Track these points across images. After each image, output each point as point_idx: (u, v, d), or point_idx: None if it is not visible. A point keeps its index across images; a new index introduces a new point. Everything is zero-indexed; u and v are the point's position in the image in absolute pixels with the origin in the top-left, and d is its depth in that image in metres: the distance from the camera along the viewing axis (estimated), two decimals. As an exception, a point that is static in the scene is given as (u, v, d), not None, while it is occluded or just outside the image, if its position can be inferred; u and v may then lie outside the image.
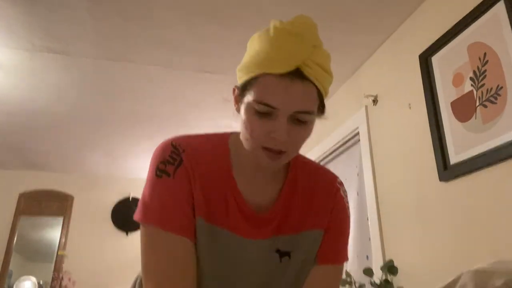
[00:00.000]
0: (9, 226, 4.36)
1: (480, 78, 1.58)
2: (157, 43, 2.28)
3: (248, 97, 0.76)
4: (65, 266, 4.29)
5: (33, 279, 4.32)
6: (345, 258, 0.95)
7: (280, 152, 0.78)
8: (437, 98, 1.80)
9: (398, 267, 1.92)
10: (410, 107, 2.01)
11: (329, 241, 0.92)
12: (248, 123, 0.76)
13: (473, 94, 1.61)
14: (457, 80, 1.70)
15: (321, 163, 3.03)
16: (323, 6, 2.00)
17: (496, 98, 1.50)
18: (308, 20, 0.78)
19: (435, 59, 1.84)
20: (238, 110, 0.82)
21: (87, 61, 2.47)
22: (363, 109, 2.43)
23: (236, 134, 0.90)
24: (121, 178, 4.71)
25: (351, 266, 2.43)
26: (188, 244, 0.80)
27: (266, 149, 0.77)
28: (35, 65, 2.51)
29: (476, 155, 1.55)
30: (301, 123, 0.76)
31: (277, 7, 2.00)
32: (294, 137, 0.77)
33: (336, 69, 2.55)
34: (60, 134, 3.57)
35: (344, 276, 2.22)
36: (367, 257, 2.30)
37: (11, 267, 4.29)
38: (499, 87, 1.49)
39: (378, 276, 2.01)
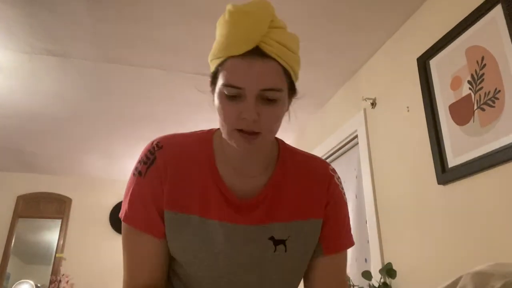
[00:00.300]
0: (7, 228, 4.35)
1: (478, 81, 1.59)
2: (156, 45, 2.29)
3: (218, 84, 0.78)
4: (63, 268, 4.27)
5: (31, 282, 4.31)
6: (351, 243, 0.95)
7: (253, 133, 0.78)
8: (435, 102, 1.81)
9: (396, 270, 1.92)
10: (408, 110, 2.02)
11: (332, 230, 0.91)
12: (221, 109, 0.78)
13: (471, 97, 1.61)
14: (455, 84, 1.71)
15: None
16: (322, 9, 2.01)
17: (494, 102, 1.50)
18: (263, 1, 0.79)
19: (433, 63, 1.85)
20: (213, 100, 0.84)
21: (86, 63, 2.47)
22: (362, 112, 2.44)
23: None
24: (119, 180, 4.70)
25: (350, 269, 2.43)
26: (153, 241, 0.83)
27: (239, 131, 0.77)
28: (34, 67, 2.51)
29: (474, 158, 1.56)
30: (271, 101, 0.77)
31: (276, 8, 2.01)
32: (266, 117, 0.77)
33: (335, 72, 2.58)
34: (59, 136, 3.56)
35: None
36: (365, 260, 2.30)
37: (9, 269, 4.27)
38: (497, 90, 1.49)
39: (376, 279, 2.01)
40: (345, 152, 2.72)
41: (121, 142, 3.67)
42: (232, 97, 0.76)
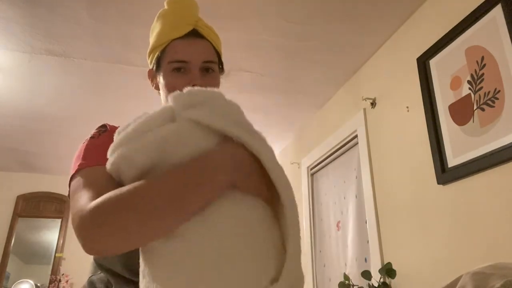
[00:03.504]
0: (7, 228, 4.35)
1: (478, 81, 1.59)
2: (156, 45, 2.29)
3: (164, 65, 0.92)
4: (63, 268, 4.27)
5: (31, 281, 4.31)
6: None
7: None
8: (435, 101, 1.81)
9: (396, 270, 1.93)
10: (408, 110, 2.02)
11: None
12: (169, 83, 0.91)
13: (471, 97, 1.61)
14: (455, 84, 1.71)
15: (320, 165, 3.03)
16: (321, 9, 2.01)
17: (493, 102, 1.51)
18: None
19: (433, 63, 1.85)
20: (157, 87, 0.98)
21: (86, 63, 2.47)
22: (362, 112, 2.44)
23: None
24: (119, 180, 4.70)
25: (350, 269, 2.43)
26: (104, 170, 0.74)
27: None
28: (34, 67, 2.51)
29: (473, 158, 1.56)
30: (209, 72, 0.93)
31: (276, 8, 2.01)
32: (209, 84, 0.87)
33: (334, 71, 2.58)
34: (59, 136, 3.56)
35: (342, 278, 2.23)
36: (365, 259, 2.30)
37: (9, 269, 4.27)
38: (497, 90, 1.50)
39: (376, 279, 2.01)
40: (345, 152, 2.72)
41: (121, 142, 3.66)
42: (178, 71, 0.90)
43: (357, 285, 2.14)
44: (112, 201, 0.62)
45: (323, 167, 3.01)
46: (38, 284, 4.31)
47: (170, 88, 0.89)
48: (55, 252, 4.37)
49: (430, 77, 1.86)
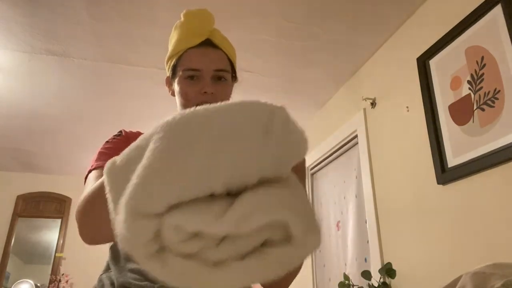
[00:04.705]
0: (7, 228, 4.35)
1: (478, 81, 1.59)
2: (157, 44, 2.29)
3: (179, 73, 0.96)
4: (63, 268, 4.27)
5: (31, 281, 4.31)
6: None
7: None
8: (435, 101, 1.81)
9: (396, 270, 1.93)
10: (408, 110, 2.02)
11: None
12: (183, 90, 0.95)
13: (471, 97, 1.61)
14: (455, 84, 1.71)
15: (320, 165, 3.03)
16: (321, 9, 2.01)
17: (493, 102, 1.51)
18: (206, 10, 1.02)
19: (433, 63, 1.85)
20: (173, 93, 1.01)
21: (86, 63, 2.47)
22: (362, 112, 2.44)
23: None
24: (119, 180, 4.70)
25: (350, 269, 2.43)
26: None
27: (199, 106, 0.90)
28: (34, 67, 2.51)
29: (473, 158, 1.56)
30: (221, 80, 0.96)
31: (276, 8, 2.01)
32: (219, 92, 0.94)
33: (334, 71, 2.58)
34: (59, 136, 3.56)
35: (342, 278, 2.23)
36: (365, 259, 2.30)
37: (9, 269, 4.27)
38: (497, 90, 1.50)
39: (376, 279, 2.01)
40: (345, 152, 2.72)
41: (121, 142, 3.66)
42: (191, 78, 0.94)
43: (357, 285, 2.14)
44: (89, 193, 0.71)
45: (323, 167, 3.01)
46: (38, 284, 4.31)
47: (183, 95, 0.95)
48: (55, 252, 4.37)
49: (430, 77, 1.86)
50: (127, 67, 2.51)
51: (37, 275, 4.37)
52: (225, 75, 0.97)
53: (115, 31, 2.16)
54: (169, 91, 1.05)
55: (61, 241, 4.42)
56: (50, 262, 4.35)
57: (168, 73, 1.02)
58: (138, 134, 1.01)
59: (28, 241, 4.61)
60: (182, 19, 1.01)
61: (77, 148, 3.85)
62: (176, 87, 0.98)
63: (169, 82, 1.03)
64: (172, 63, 0.99)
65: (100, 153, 0.95)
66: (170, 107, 3.20)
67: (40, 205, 4.53)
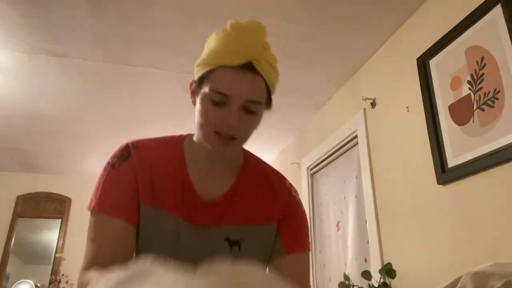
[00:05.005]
0: (7, 228, 4.35)
1: (478, 81, 1.59)
2: (156, 45, 2.29)
3: (205, 89, 0.83)
4: (63, 268, 4.27)
5: (31, 281, 4.31)
6: (309, 247, 1.00)
7: (231, 138, 0.85)
8: (435, 101, 1.81)
9: (396, 270, 1.93)
10: (408, 110, 2.02)
11: (291, 231, 0.98)
12: (204, 111, 0.84)
13: (471, 97, 1.61)
14: (455, 84, 1.71)
15: (320, 166, 3.03)
16: (321, 8, 2.01)
17: (493, 102, 1.51)
18: (260, 23, 0.86)
19: (433, 63, 1.85)
20: (194, 102, 0.90)
21: (86, 63, 2.47)
22: (362, 112, 2.44)
23: (191, 135, 0.98)
24: (119, 180, 4.70)
25: (350, 269, 2.43)
26: (125, 226, 0.85)
27: (218, 134, 0.84)
28: (33, 67, 2.51)
29: (473, 158, 1.56)
30: (251, 112, 0.84)
31: (275, 8, 2.01)
32: (244, 125, 0.85)
33: (334, 72, 2.58)
34: (59, 136, 3.56)
35: (342, 278, 2.23)
36: (365, 260, 2.30)
37: (9, 269, 4.27)
38: (497, 90, 1.49)
39: (376, 279, 2.01)
40: (345, 152, 2.72)
41: (121, 142, 3.63)
42: (217, 102, 0.82)
43: (357, 285, 2.14)
44: None
45: (323, 167, 3.01)
46: (38, 284, 4.30)
47: (203, 116, 0.84)
48: (55, 252, 4.37)
49: (430, 77, 1.86)
50: (127, 67, 2.51)
51: (37, 276, 4.37)
52: (257, 108, 0.84)
53: (115, 31, 2.16)
54: (191, 98, 0.92)
55: (61, 242, 4.42)
56: (50, 263, 4.35)
57: (195, 77, 0.89)
58: (148, 148, 0.94)
59: (28, 241, 4.61)
60: (229, 29, 0.84)
61: (77, 148, 3.85)
62: (198, 102, 0.87)
63: (194, 89, 0.90)
64: (201, 73, 0.86)
65: (105, 187, 0.89)
66: (170, 107, 3.23)
67: (40, 205, 4.53)
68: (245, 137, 0.88)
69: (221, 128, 0.83)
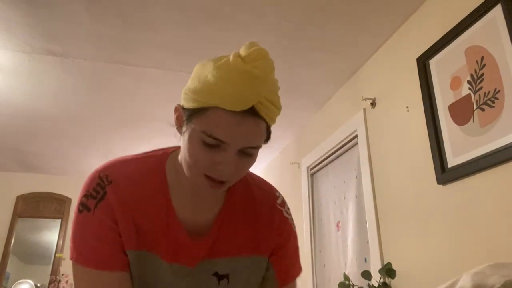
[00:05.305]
0: (7, 228, 4.35)
1: (478, 81, 1.59)
2: (155, 45, 2.29)
3: (196, 125, 0.73)
4: (63, 268, 4.27)
5: (31, 281, 4.31)
6: (300, 270, 0.98)
7: (222, 182, 0.78)
8: (435, 101, 1.81)
9: (396, 270, 1.93)
10: (408, 110, 2.02)
11: (285, 263, 0.94)
12: (193, 152, 0.75)
13: (471, 97, 1.61)
14: (455, 84, 1.71)
15: (320, 166, 3.03)
16: (321, 8, 2.01)
17: (493, 102, 1.51)
18: (269, 60, 0.74)
19: (433, 63, 1.85)
20: (180, 131, 0.80)
21: (86, 63, 2.47)
22: (361, 112, 2.44)
23: (177, 152, 0.88)
24: (119, 180, 4.69)
25: (350, 269, 2.43)
26: (118, 275, 0.79)
27: (208, 177, 0.77)
28: (33, 68, 2.51)
29: (473, 158, 1.56)
30: (248, 155, 0.76)
31: (275, 8, 2.01)
32: (239, 169, 0.77)
33: (334, 72, 2.58)
34: (58, 136, 3.56)
35: (342, 278, 2.23)
36: (365, 260, 2.30)
37: (9, 269, 4.27)
38: (497, 90, 1.49)
39: (376, 279, 2.01)
40: (345, 152, 2.72)
41: (120, 142, 3.67)
42: (210, 145, 0.73)
43: (357, 285, 2.14)
44: None
45: (323, 167, 3.01)
46: (38, 285, 4.30)
47: (192, 157, 0.75)
48: (55, 253, 4.37)
49: (430, 77, 1.86)
50: (127, 67, 2.51)
51: (37, 276, 4.37)
52: (255, 151, 0.77)
53: (115, 31, 2.17)
54: (176, 125, 0.82)
55: (61, 242, 4.42)
56: (50, 263, 4.35)
57: (182, 103, 0.79)
58: (125, 179, 0.83)
59: (28, 241, 4.61)
60: (232, 70, 0.71)
61: (77, 148, 3.85)
62: (186, 137, 0.76)
63: (180, 118, 0.79)
64: (193, 105, 0.74)
65: (82, 236, 0.80)
66: (170, 107, 3.21)
67: (40, 205, 4.53)
68: (238, 178, 0.81)
69: (213, 173, 0.75)
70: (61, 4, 1.97)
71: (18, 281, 4.30)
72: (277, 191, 0.99)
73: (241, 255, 0.89)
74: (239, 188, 0.92)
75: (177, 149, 0.89)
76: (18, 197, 4.48)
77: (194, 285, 0.87)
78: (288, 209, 0.98)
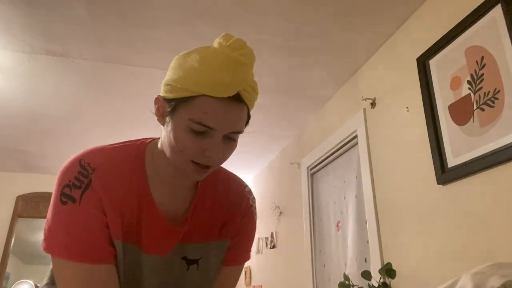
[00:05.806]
0: (7, 228, 4.35)
1: (478, 81, 1.59)
2: (156, 44, 2.29)
3: (183, 114, 0.76)
4: (63, 268, 4.27)
5: (31, 282, 4.31)
6: (248, 258, 1.03)
7: (208, 166, 0.81)
8: (435, 102, 1.81)
9: (396, 270, 1.93)
10: (408, 110, 2.02)
11: (237, 246, 0.98)
12: (181, 140, 0.77)
13: (471, 97, 1.61)
14: (455, 84, 1.71)
15: (320, 166, 3.03)
16: (321, 8, 2.01)
17: (493, 102, 1.51)
18: (252, 51, 0.80)
19: (433, 63, 1.85)
20: (162, 122, 0.82)
21: (86, 63, 2.47)
22: (361, 112, 2.44)
23: (155, 142, 0.91)
24: (119, 180, 4.70)
25: (350, 269, 2.43)
26: (107, 268, 0.78)
27: (195, 163, 0.80)
28: (33, 67, 2.51)
29: (473, 159, 1.56)
30: (232, 140, 0.81)
31: (274, 7, 2.01)
32: (224, 153, 0.81)
33: (334, 72, 2.58)
34: (58, 136, 3.56)
35: (342, 278, 2.23)
36: (365, 260, 2.30)
37: (9, 269, 4.27)
38: (496, 90, 1.49)
39: (376, 279, 2.01)
40: (344, 152, 2.72)
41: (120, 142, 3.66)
42: (198, 133, 0.76)
43: (357, 285, 2.14)
44: None
45: (323, 167, 3.01)
46: (38, 285, 4.30)
47: (180, 144, 0.77)
48: (55, 252, 4.37)
49: (430, 77, 1.86)
50: (127, 67, 2.51)
51: (37, 276, 4.38)
52: (238, 135, 0.81)
53: (114, 31, 2.17)
54: (157, 115, 0.83)
55: (61, 241, 4.41)
56: (50, 263, 4.35)
57: (164, 94, 0.80)
58: (106, 167, 0.82)
59: (28, 241, 4.62)
60: (219, 57, 0.75)
61: (76, 148, 3.84)
62: (171, 127, 0.78)
63: (163, 109, 0.81)
64: (178, 95, 0.76)
65: (73, 233, 0.76)
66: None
67: (40, 205, 4.52)
68: (221, 163, 0.84)
69: (200, 159, 0.78)
70: (61, 4, 1.97)
71: (18, 281, 4.30)
72: (244, 181, 1.05)
73: (210, 240, 0.94)
74: (210, 177, 0.94)
75: (155, 139, 0.92)
76: (18, 197, 4.48)
77: (164, 269, 0.89)
78: (254, 199, 1.03)
